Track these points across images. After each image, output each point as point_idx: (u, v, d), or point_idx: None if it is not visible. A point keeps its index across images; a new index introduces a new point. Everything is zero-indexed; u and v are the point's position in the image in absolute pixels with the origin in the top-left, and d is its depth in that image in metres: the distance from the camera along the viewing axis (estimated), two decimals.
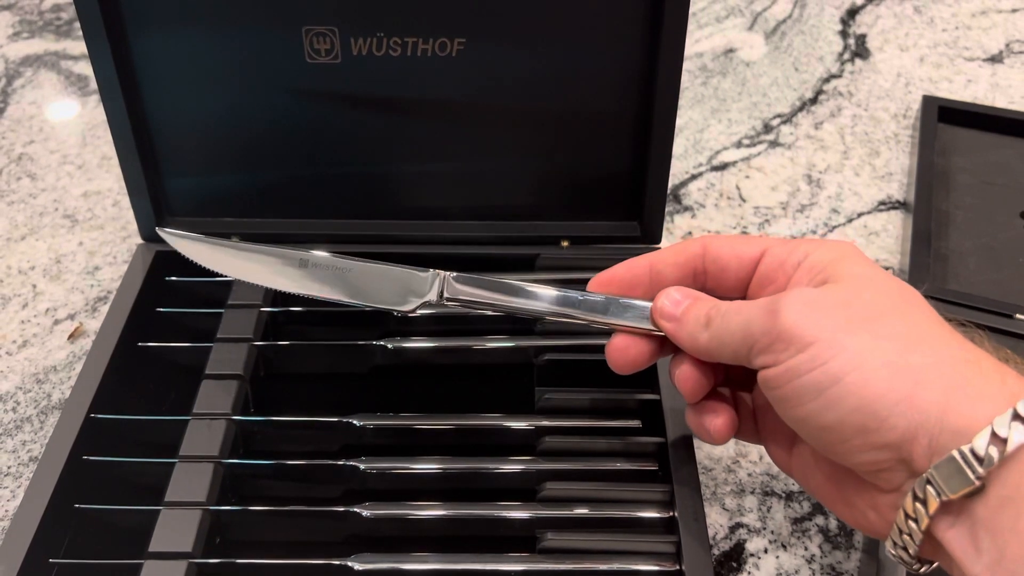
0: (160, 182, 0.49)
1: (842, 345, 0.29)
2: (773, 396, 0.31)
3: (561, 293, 0.38)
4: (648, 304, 0.37)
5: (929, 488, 0.28)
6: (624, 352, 0.37)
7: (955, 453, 0.27)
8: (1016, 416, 0.26)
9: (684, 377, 0.36)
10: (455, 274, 0.39)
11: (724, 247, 0.36)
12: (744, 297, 0.36)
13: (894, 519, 0.30)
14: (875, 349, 0.29)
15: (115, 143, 0.47)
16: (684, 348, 0.35)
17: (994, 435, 0.26)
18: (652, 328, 0.37)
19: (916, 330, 0.29)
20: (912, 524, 0.29)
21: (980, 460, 0.26)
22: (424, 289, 0.39)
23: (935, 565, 0.31)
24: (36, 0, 0.78)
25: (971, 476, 0.26)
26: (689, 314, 0.35)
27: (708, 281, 0.37)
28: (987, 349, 0.30)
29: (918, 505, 0.28)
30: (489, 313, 0.39)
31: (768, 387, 0.31)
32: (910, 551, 0.29)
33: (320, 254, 0.40)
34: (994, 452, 0.26)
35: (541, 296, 0.38)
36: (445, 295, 0.39)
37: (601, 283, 0.38)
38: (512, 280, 0.39)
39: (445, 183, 0.50)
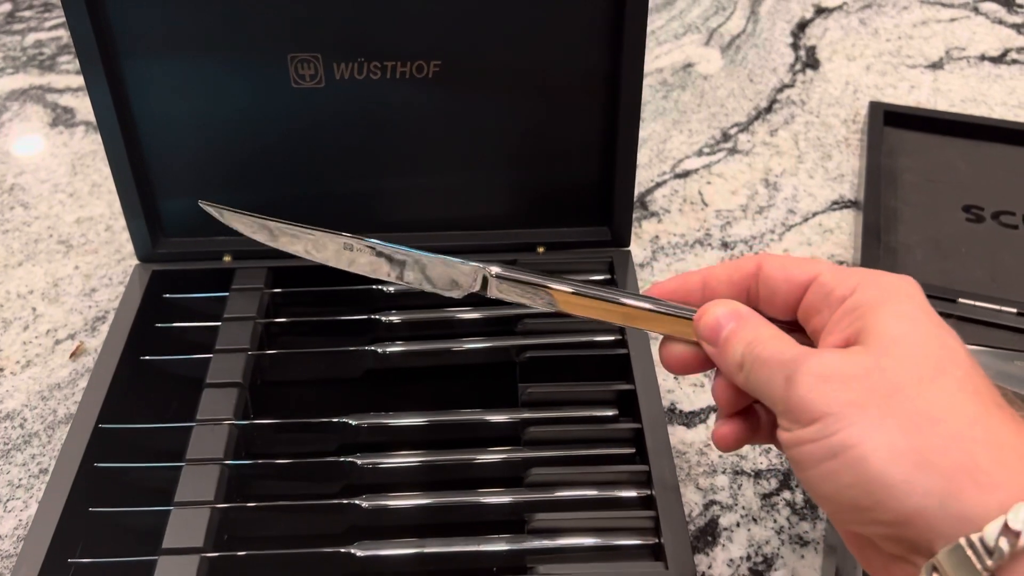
0: (155, 204, 0.52)
1: (849, 420, 0.28)
2: (785, 454, 0.32)
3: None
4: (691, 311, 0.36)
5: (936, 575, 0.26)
6: (674, 356, 0.36)
7: (962, 541, 0.25)
8: None
9: (717, 390, 0.35)
10: (497, 270, 0.39)
11: (776, 269, 0.34)
12: (795, 319, 0.35)
13: None
14: (881, 427, 0.27)
15: (111, 167, 0.50)
16: (725, 375, 0.35)
17: (1006, 527, 0.25)
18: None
19: (935, 406, 0.28)
20: None
21: (990, 552, 0.25)
22: (467, 282, 0.39)
23: None
24: (18, 37, 0.81)
25: (979, 567, 0.25)
26: (728, 348, 0.33)
27: (760, 303, 0.35)
28: None
29: None
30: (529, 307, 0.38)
31: (780, 445, 0.32)
32: None
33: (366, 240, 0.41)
34: (1005, 545, 0.25)
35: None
36: (490, 287, 0.39)
37: (653, 295, 0.37)
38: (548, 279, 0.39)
39: (427, 196, 0.53)
